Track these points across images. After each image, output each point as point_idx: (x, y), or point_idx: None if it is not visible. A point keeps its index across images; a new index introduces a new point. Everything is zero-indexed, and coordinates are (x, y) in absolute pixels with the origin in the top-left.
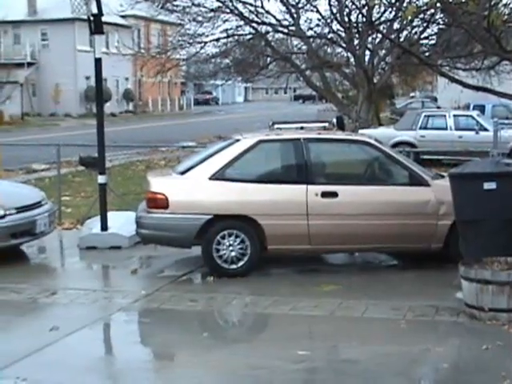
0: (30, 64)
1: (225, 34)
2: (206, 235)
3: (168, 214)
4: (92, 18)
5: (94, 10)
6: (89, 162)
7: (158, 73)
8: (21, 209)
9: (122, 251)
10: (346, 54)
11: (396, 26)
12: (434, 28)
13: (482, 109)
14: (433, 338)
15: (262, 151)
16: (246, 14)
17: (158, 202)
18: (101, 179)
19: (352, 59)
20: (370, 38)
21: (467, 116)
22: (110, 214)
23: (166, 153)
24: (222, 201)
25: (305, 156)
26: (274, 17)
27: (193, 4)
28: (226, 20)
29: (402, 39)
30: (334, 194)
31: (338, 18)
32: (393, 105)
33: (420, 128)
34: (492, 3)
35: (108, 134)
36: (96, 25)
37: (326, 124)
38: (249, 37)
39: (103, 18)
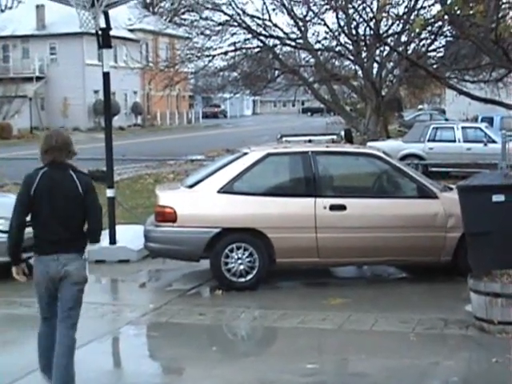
0: (38, 78)
1: (233, 48)
2: (214, 248)
3: (176, 228)
4: (100, 33)
5: (102, 25)
6: (97, 175)
7: (166, 86)
8: (29, 223)
9: (130, 265)
10: (353, 67)
11: (404, 38)
12: (442, 40)
13: (490, 121)
14: (442, 351)
15: (271, 164)
16: (254, 28)
17: (167, 216)
18: (109, 193)
19: (360, 72)
20: (377, 51)
21: (475, 128)
22: (119, 228)
23: (174, 166)
24: (230, 214)
25: (313, 169)
26: (282, 30)
27: (201, 18)
28: (234, 33)
29: (409, 52)
30: (343, 207)
31: (346, 31)
32: (401, 117)
33: (428, 140)
34: (500, 16)
35: (116, 148)
36: (104, 39)
37: (335, 137)
38: (257, 50)
39: (111, 32)
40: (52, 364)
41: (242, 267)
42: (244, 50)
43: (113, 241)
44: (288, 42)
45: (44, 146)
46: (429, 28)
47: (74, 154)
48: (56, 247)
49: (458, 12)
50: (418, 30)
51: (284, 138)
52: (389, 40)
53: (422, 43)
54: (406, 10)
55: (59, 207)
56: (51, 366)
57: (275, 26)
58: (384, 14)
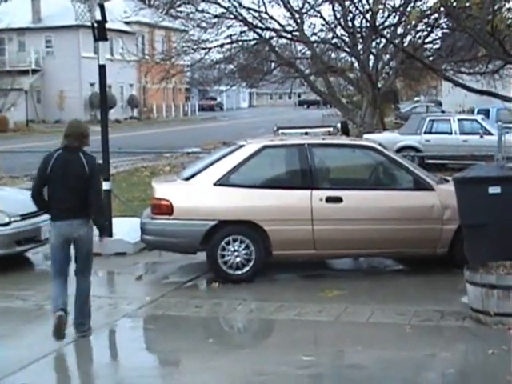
0: (34, 71)
1: (229, 40)
2: (210, 241)
3: (173, 220)
4: (96, 25)
5: (98, 17)
6: None
7: (162, 79)
8: (26, 216)
9: (126, 257)
10: (350, 59)
11: (400, 30)
12: (438, 32)
13: (486, 113)
14: (438, 343)
15: (267, 157)
16: (250, 20)
17: (163, 208)
18: (105, 186)
19: (356, 64)
20: (373, 43)
21: (472, 120)
22: (115, 221)
23: (170, 159)
24: (226, 206)
25: (309, 161)
26: (278, 22)
27: (197, 10)
28: (230, 26)
29: (405, 44)
30: (339, 199)
31: (342, 23)
32: (397, 109)
33: (425, 132)
34: (496, 8)
35: (113, 141)
36: (100, 31)
37: (331, 129)
38: (253, 42)
39: (107, 25)
40: (64, 300)
41: (238, 259)
42: (240, 43)
43: (109, 233)
44: (284, 34)
45: (65, 132)
46: (425, 20)
47: (87, 144)
48: (69, 214)
49: (454, 4)
50: (414, 22)
51: (280, 131)
52: (385, 32)
53: (418, 35)
54: (403, 1)
55: (70, 182)
56: (64, 302)
57: (271, 18)
58: (380, 6)
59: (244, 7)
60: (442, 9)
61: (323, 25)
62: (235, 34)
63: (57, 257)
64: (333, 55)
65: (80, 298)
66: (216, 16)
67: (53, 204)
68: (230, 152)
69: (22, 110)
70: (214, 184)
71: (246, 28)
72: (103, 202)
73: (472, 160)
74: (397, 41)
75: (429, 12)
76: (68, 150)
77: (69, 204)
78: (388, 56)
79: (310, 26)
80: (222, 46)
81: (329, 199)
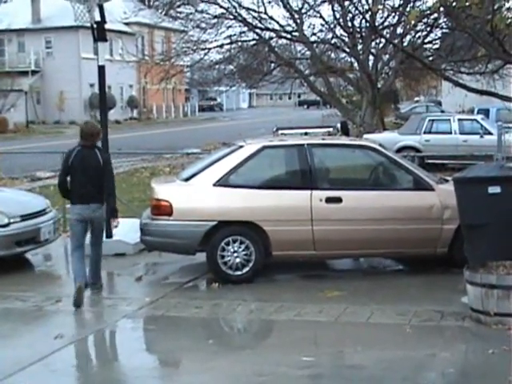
0: (34, 72)
1: (228, 41)
2: (210, 242)
3: (172, 221)
4: (95, 26)
5: (97, 18)
6: None
7: (162, 79)
8: (25, 217)
9: (126, 258)
10: (349, 59)
11: (399, 30)
12: (438, 32)
13: (486, 113)
14: (438, 343)
15: (266, 157)
16: (250, 20)
17: (163, 209)
18: None
19: (356, 64)
20: (373, 43)
21: (472, 120)
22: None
23: (170, 160)
24: (226, 207)
25: (309, 161)
26: (278, 22)
27: (196, 11)
28: (230, 26)
29: (405, 44)
30: (339, 200)
31: (342, 24)
32: (397, 109)
33: (424, 132)
34: (495, 7)
35: (112, 142)
36: (99, 32)
37: (331, 129)
38: (252, 43)
39: (107, 26)
40: (84, 272)
41: (238, 260)
42: (240, 43)
43: (109, 234)
44: (284, 34)
45: (81, 132)
46: (424, 20)
47: (99, 140)
48: (86, 199)
49: (454, 4)
50: (413, 22)
51: (280, 131)
52: (384, 32)
53: (417, 35)
54: (402, 1)
55: (87, 173)
56: (84, 274)
57: (271, 18)
58: (379, 6)
59: (244, 8)
60: (441, 9)
61: (323, 25)
62: (235, 35)
63: (76, 233)
64: (332, 55)
65: (93, 263)
66: (215, 16)
67: (73, 191)
68: (229, 152)
69: (22, 111)
70: (214, 185)
71: (245, 28)
72: (114, 188)
73: (472, 160)
74: (396, 41)
75: (428, 12)
76: (84, 147)
77: (86, 191)
78: (387, 56)
79: (309, 27)
80: (221, 46)
81: (328, 199)
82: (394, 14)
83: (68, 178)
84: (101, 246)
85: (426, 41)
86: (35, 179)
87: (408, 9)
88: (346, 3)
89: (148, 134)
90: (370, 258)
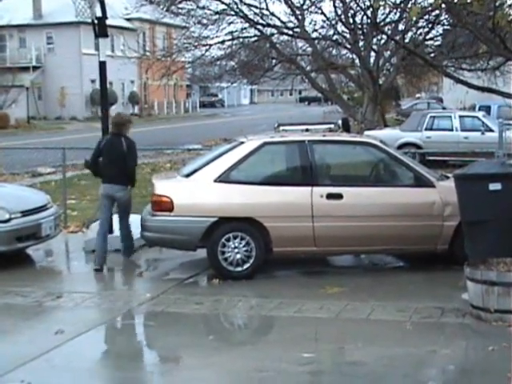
0: (35, 68)
1: (230, 37)
2: (211, 238)
3: (173, 217)
4: (96, 22)
5: (99, 14)
6: None
7: (163, 75)
8: (26, 212)
9: None
10: (351, 56)
11: (401, 27)
12: (439, 29)
13: (487, 109)
14: (439, 340)
15: (267, 153)
16: (251, 17)
17: (163, 205)
18: None
19: (357, 61)
20: (374, 40)
21: (473, 117)
22: (116, 217)
23: (171, 155)
24: (227, 203)
25: (310, 158)
26: (279, 19)
27: (198, 7)
28: (231, 22)
29: (407, 40)
30: (339, 196)
31: (343, 20)
32: (398, 106)
33: (426, 129)
34: (497, 4)
35: None
36: (100, 28)
37: (332, 126)
38: (254, 39)
39: (108, 21)
40: (102, 253)
41: (238, 256)
42: (241, 39)
43: (110, 230)
44: (285, 30)
45: (112, 122)
46: (426, 16)
47: (126, 130)
48: (111, 179)
49: (455, 0)
50: (414, 19)
51: (281, 127)
52: (386, 28)
53: (419, 32)
54: None
55: (112, 157)
56: (101, 256)
57: (272, 14)
58: (381, 3)
59: (245, 4)
60: (442, 5)
61: (324, 21)
62: (236, 31)
63: (102, 207)
64: (334, 52)
65: (123, 237)
66: (217, 12)
67: (102, 171)
68: (230, 149)
69: (23, 107)
70: (215, 181)
71: (246, 25)
72: (134, 171)
73: (473, 157)
74: (398, 37)
75: (430, 8)
76: (114, 134)
77: (111, 172)
78: (389, 52)
79: (310, 23)
80: (222, 42)
81: (329, 196)
82: (395, 10)
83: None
84: (126, 221)
85: (427, 37)
86: (36, 175)
87: (410, 5)
88: None
89: (149, 130)
90: (371, 254)
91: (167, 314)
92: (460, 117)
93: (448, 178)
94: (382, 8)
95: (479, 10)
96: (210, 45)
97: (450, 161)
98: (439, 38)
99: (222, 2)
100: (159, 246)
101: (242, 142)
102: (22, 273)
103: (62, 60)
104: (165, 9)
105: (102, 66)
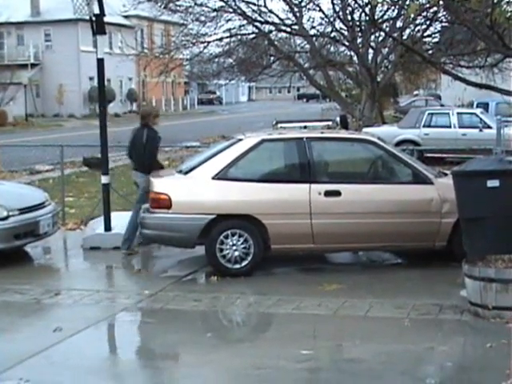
0: (33, 65)
1: (228, 34)
2: (209, 235)
3: (171, 214)
4: (94, 19)
5: (96, 11)
6: (92, 162)
7: (161, 73)
8: (24, 210)
9: None
10: (349, 53)
11: (399, 24)
12: (437, 26)
13: (485, 106)
14: (437, 337)
15: (265, 150)
16: (249, 14)
17: (161, 202)
18: (104, 180)
19: (355, 58)
20: (372, 37)
21: (471, 114)
22: (114, 215)
23: (169, 153)
24: (225, 200)
25: (308, 155)
26: (277, 16)
27: (195, 4)
28: (229, 19)
29: (404, 37)
30: (337, 193)
31: (341, 17)
32: (396, 103)
33: (424, 126)
34: (495, 1)
35: (112, 135)
36: (98, 25)
37: (330, 123)
38: (252, 36)
39: (106, 19)
40: (127, 236)
41: (236, 253)
42: (239, 37)
43: (108, 227)
44: (283, 27)
45: (139, 115)
46: (424, 13)
47: (153, 122)
48: (136, 167)
49: None
50: (413, 16)
51: (279, 124)
52: (384, 25)
53: (417, 29)
54: None
55: (136, 146)
56: (127, 238)
57: (270, 11)
58: (379, 0)
59: (243, 1)
60: (440, 2)
61: (322, 18)
62: (234, 28)
63: (137, 191)
64: (332, 49)
65: (130, 220)
66: (215, 10)
67: (132, 159)
68: (228, 146)
69: (21, 104)
70: (213, 178)
71: (244, 22)
72: (151, 161)
73: (471, 154)
74: (396, 34)
75: (428, 5)
76: (141, 126)
77: (135, 160)
78: (387, 49)
79: (308, 20)
80: (220, 39)
81: (327, 193)
82: (393, 7)
83: None
84: (138, 209)
85: (425, 34)
86: (34, 172)
87: (407, 2)
88: None
89: None
90: (369, 251)
91: (166, 311)
92: (458, 114)
93: (446, 174)
94: (380, 5)
95: (477, 7)
96: (208, 42)
97: (447, 158)
98: (437, 35)
99: (220, 0)
100: (157, 243)
101: (240, 139)
102: (20, 270)
103: (59, 57)
104: (162, 6)
105: (100, 63)
